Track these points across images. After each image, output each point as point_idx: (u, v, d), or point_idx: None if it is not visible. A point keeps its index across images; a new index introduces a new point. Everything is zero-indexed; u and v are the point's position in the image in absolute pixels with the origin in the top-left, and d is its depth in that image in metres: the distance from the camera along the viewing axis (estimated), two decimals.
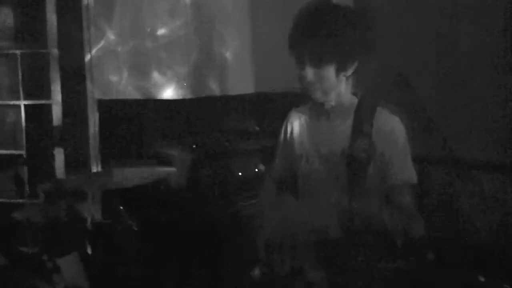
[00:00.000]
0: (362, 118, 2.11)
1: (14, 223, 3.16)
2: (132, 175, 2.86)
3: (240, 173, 3.36)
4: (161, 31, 3.76)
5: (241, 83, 3.96)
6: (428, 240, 2.03)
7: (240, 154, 3.39)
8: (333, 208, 2.04)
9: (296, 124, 2.31)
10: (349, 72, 2.13)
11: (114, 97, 3.72)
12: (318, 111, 2.23)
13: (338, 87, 2.15)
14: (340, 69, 2.11)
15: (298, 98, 2.99)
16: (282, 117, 2.31)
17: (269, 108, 3.72)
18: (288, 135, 2.33)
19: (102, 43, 3.73)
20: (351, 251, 1.96)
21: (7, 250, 1.50)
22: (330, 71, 2.10)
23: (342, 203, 2.03)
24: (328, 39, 2.06)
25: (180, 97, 3.78)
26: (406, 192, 2.08)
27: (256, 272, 2.22)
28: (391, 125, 2.11)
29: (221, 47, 3.89)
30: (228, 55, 3.92)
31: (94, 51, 3.72)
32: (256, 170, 3.41)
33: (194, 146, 3.44)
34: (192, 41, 3.80)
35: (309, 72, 2.10)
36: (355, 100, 2.19)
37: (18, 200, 3.78)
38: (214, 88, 3.87)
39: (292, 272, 2.04)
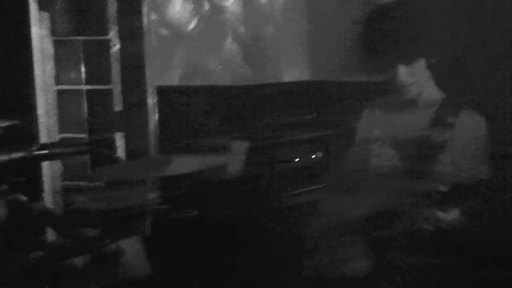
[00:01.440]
0: (447, 110, 2.12)
1: (77, 207, 3.27)
2: (190, 161, 2.90)
3: (297, 159, 3.37)
4: (216, 19, 3.78)
5: (296, 71, 3.96)
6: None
7: (296, 142, 3.39)
8: (397, 199, 2.03)
9: (374, 112, 2.30)
10: (435, 64, 2.13)
11: (173, 83, 3.77)
12: (401, 102, 2.22)
13: (428, 79, 2.16)
14: (428, 61, 2.11)
15: (356, 87, 2.97)
16: (338, 106, 2.31)
17: (325, 96, 3.71)
18: (365, 122, 2.33)
19: (162, 29, 3.78)
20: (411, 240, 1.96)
21: (70, 233, 1.55)
22: (422, 64, 2.10)
23: (409, 190, 2.03)
24: (416, 33, 2.07)
25: (238, 84, 3.81)
26: (476, 190, 2.07)
27: (310, 261, 2.23)
28: (475, 123, 2.12)
29: (276, 33, 3.89)
30: (283, 41, 3.92)
31: (154, 37, 3.77)
32: (313, 157, 3.42)
33: (250, 134, 3.47)
34: (246, 27, 3.82)
35: (403, 73, 2.09)
36: (442, 94, 2.20)
37: (80, 183, 3.91)
38: (270, 76, 3.89)
39: (339, 260, 2.05)
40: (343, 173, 2.38)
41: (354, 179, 2.28)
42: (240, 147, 3.31)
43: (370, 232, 2.02)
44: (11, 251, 2.15)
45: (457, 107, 2.12)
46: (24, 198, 1.37)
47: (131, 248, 2.54)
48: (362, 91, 2.46)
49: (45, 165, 3.93)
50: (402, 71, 2.08)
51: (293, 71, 3.99)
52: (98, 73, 3.90)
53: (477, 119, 2.13)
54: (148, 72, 3.79)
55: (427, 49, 2.09)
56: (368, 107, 2.35)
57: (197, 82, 3.82)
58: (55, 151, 1.60)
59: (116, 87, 3.83)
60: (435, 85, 2.20)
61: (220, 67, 3.77)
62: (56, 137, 3.89)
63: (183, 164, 2.86)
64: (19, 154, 1.61)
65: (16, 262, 2.13)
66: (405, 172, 2.11)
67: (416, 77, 2.11)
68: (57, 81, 3.95)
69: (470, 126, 2.10)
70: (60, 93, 3.96)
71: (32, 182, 3.77)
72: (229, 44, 3.84)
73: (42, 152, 1.60)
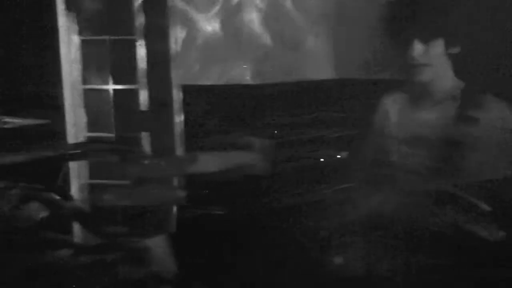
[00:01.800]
0: (470, 102, 2.03)
1: (104, 205, 3.30)
2: (216, 160, 2.92)
3: (322, 159, 3.36)
4: (241, 16, 3.79)
5: (322, 68, 3.95)
6: None
7: (323, 141, 3.39)
8: (427, 195, 2.00)
9: (392, 107, 2.24)
10: (455, 49, 2.05)
11: (198, 82, 3.79)
12: (419, 94, 2.15)
13: (444, 66, 2.07)
14: (449, 44, 2.03)
15: (381, 84, 2.95)
16: (364, 104, 2.28)
17: (351, 94, 3.70)
18: (383, 118, 2.27)
19: (187, 29, 3.81)
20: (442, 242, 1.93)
21: (99, 230, 1.57)
22: (439, 46, 2.02)
23: (439, 188, 1.99)
24: (437, 11, 2.00)
25: (261, 83, 3.82)
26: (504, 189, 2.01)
27: (338, 259, 2.23)
28: (501, 113, 2.04)
29: (301, 31, 3.89)
30: (308, 39, 3.91)
31: (179, 37, 3.80)
32: (338, 156, 3.41)
33: (275, 132, 3.48)
34: (270, 25, 3.82)
35: (417, 49, 2.02)
36: (461, 84, 2.10)
37: (107, 181, 3.95)
38: (296, 74, 3.88)
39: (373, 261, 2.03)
40: (362, 171, 2.35)
41: (376, 177, 2.25)
42: (267, 145, 3.32)
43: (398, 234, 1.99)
44: (40, 249, 2.19)
45: (480, 98, 2.03)
46: (57, 197, 1.39)
47: (157, 246, 2.57)
48: (383, 89, 2.40)
49: (72, 163, 3.98)
50: (417, 47, 2.01)
51: (317, 69, 3.98)
52: (124, 72, 3.94)
53: (503, 109, 2.04)
54: (173, 71, 3.81)
55: (449, 34, 2.01)
56: (384, 101, 2.28)
57: (222, 81, 3.84)
58: (85, 150, 1.62)
59: (142, 86, 3.86)
60: (453, 74, 2.11)
61: (245, 66, 3.78)
62: (84, 136, 3.94)
63: (209, 163, 2.87)
64: (50, 153, 1.63)
65: (45, 260, 2.17)
66: (427, 170, 2.06)
67: (430, 59, 2.03)
68: (84, 81, 4.00)
69: (496, 117, 2.02)
70: (87, 92, 4.01)
71: (60, 180, 3.83)
72: (253, 41, 3.85)
73: (74, 151, 1.63)
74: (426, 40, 2.00)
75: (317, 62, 3.89)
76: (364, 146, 2.35)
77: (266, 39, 3.84)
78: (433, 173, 2.03)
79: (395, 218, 2.01)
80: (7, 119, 2.56)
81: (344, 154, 3.43)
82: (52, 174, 1.92)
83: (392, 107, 2.22)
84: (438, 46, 2.01)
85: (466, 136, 1.99)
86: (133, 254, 2.09)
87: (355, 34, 3.63)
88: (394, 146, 2.16)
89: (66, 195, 1.40)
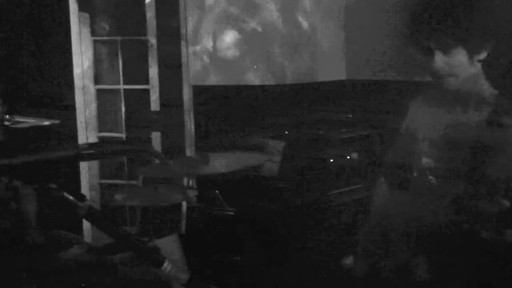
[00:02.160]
0: (501, 110, 1.95)
1: (115, 205, 3.32)
2: (227, 160, 2.93)
3: (331, 160, 3.36)
4: (251, 20, 3.80)
5: (333, 69, 3.94)
6: None
7: (333, 142, 3.38)
8: (452, 200, 1.96)
9: (420, 108, 2.15)
10: (481, 56, 1.96)
11: (209, 83, 3.80)
12: (446, 97, 2.05)
13: (472, 73, 1.98)
14: (470, 52, 1.95)
15: (396, 86, 2.91)
16: (375, 105, 2.25)
17: (362, 95, 3.69)
18: (410, 119, 2.19)
19: (198, 30, 3.81)
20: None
21: (113, 231, 1.58)
22: (460, 54, 1.95)
23: (462, 193, 1.95)
24: (455, 19, 1.92)
25: (273, 84, 3.81)
26: None
27: (348, 261, 2.23)
28: None
29: (312, 31, 3.88)
30: (319, 40, 3.91)
31: (191, 38, 3.81)
32: (348, 157, 3.40)
33: (286, 133, 3.48)
34: (281, 27, 3.82)
35: (438, 59, 1.95)
36: (493, 91, 2.01)
37: (118, 181, 3.98)
38: (306, 75, 3.88)
39: (398, 268, 2.00)
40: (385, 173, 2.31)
41: (403, 179, 2.21)
42: (276, 146, 3.32)
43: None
44: (50, 247, 2.20)
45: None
46: (71, 197, 1.40)
47: (168, 246, 2.57)
48: (401, 90, 2.37)
49: (83, 163, 4.00)
50: (439, 59, 1.95)
51: (329, 70, 3.98)
52: (136, 73, 3.96)
53: None
54: (185, 72, 3.82)
55: (470, 41, 1.91)
56: (414, 104, 2.22)
57: (232, 82, 3.85)
58: (96, 150, 1.63)
59: (153, 87, 3.88)
60: (486, 81, 1.99)
61: (255, 67, 3.79)
62: (95, 136, 3.96)
63: (220, 163, 2.88)
64: (61, 153, 1.64)
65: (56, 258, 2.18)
66: (455, 175, 2.00)
67: (453, 68, 1.95)
68: (96, 81, 4.02)
69: None
70: (99, 92, 4.03)
71: (72, 180, 3.85)
72: (267, 43, 3.85)
73: (86, 151, 1.64)
74: (446, 50, 1.97)
75: (331, 63, 3.89)
76: (389, 148, 2.29)
77: (281, 37, 3.84)
78: (459, 177, 1.98)
79: (416, 220, 1.99)
80: (18, 119, 2.57)
81: (355, 155, 3.42)
82: (63, 174, 1.93)
83: (420, 109, 2.16)
84: (460, 55, 1.93)
85: (495, 141, 1.92)
86: (143, 254, 2.09)
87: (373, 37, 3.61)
88: (421, 148, 2.10)
89: (79, 195, 1.41)
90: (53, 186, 1.38)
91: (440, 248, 1.93)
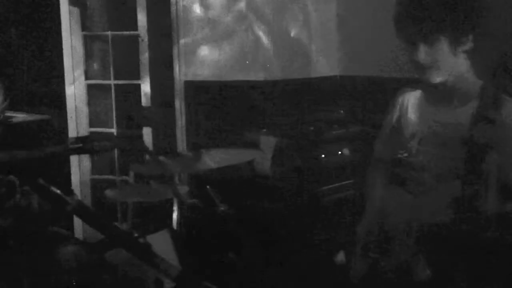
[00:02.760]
0: (488, 103, 1.94)
1: (106, 200, 3.30)
2: (218, 157, 2.91)
3: (323, 155, 3.35)
4: (244, 13, 3.77)
5: (326, 66, 3.93)
6: None
7: (325, 138, 3.38)
8: (446, 197, 1.94)
9: (409, 104, 2.14)
10: (465, 46, 1.94)
11: (201, 79, 3.78)
12: (434, 93, 2.05)
13: (456, 65, 1.97)
14: (453, 43, 1.93)
15: (385, 82, 2.90)
16: (367, 102, 2.21)
17: (354, 92, 3.68)
18: (398, 115, 2.17)
19: (190, 25, 3.79)
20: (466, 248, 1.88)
21: (103, 227, 1.56)
22: (443, 45, 1.93)
23: (456, 191, 1.93)
24: (436, 9, 1.91)
25: (264, 80, 3.80)
26: None
27: (340, 257, 2.22)
28: None
29: (305, 28, 3.87)
30: (312, 36, 3.90)
31: (182, 33, 3.78)
32: (340, 153, 3.40)
33: (281, 129, 3.47)
34: (276, 23, 3.80)
35: (422, 51, 1.94)
36: (479, 82, 2.00)
37: (109, 177, 3.96)
38: (298, 71, 3.87)
39: (397, 266, 1.98)
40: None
41: (392, 175, 2.19)
42: (269, 142, 3.31)
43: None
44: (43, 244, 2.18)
45: (499, 99, 1.92)
46: (59, 192, 1.38)
47: (159, 243, 2.56)
48: (392, 87, 2.34)
49: (73, 159, 3.98)
50: (421, 50, 1.93)
51: (323, 66, 3.96)
52: (127, 68, 3.93)
53: None
54: (176, 67, 3.80)
55: (454, 31, 1.90)
56: (399, 100, 2.20)
57: (225, 78, 3.82)
58: (87, 145, 1.61)
59: (144, 82, 3.86)
60: (471, 73, 1.99)
61: (247, 62, 3.77)
62: (86, 131, 3.94)
63: (212, 160, 2.86)
64: (52, 148, 1.62)
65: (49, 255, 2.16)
66: (448, 173, 1.98)
67: (436, 60, 1.93)
68: (87, 76, 3.99)
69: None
70: (90, 87, 4.01)
71: (62, 176, 3.83)
72: (259, 39, 3.84)
73: (76, 146, 1.61)
74: (429, 41, 1.94)
75: (324, 60, 3.88)
76: (378, 144, 2.27)
77: (274, 33, 3.82)
78: (451, 173, 1.96)
79: (409, 217, 1.97)
80: (9, 114, 2.54)
81: (346, 152, 3.42)
82: (53, 169, 1.91)
83: (409, 105, 2.13)
84: (443, 45, 1.91)
85: (484, 136, 1.91)
86: (134, 250, 2.07)
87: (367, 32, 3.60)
88: (410, 144, 2.08)
89: (68, 190, 1.39)
90: (41, 181, 1.36)
91: (434, 245, 1.92)
